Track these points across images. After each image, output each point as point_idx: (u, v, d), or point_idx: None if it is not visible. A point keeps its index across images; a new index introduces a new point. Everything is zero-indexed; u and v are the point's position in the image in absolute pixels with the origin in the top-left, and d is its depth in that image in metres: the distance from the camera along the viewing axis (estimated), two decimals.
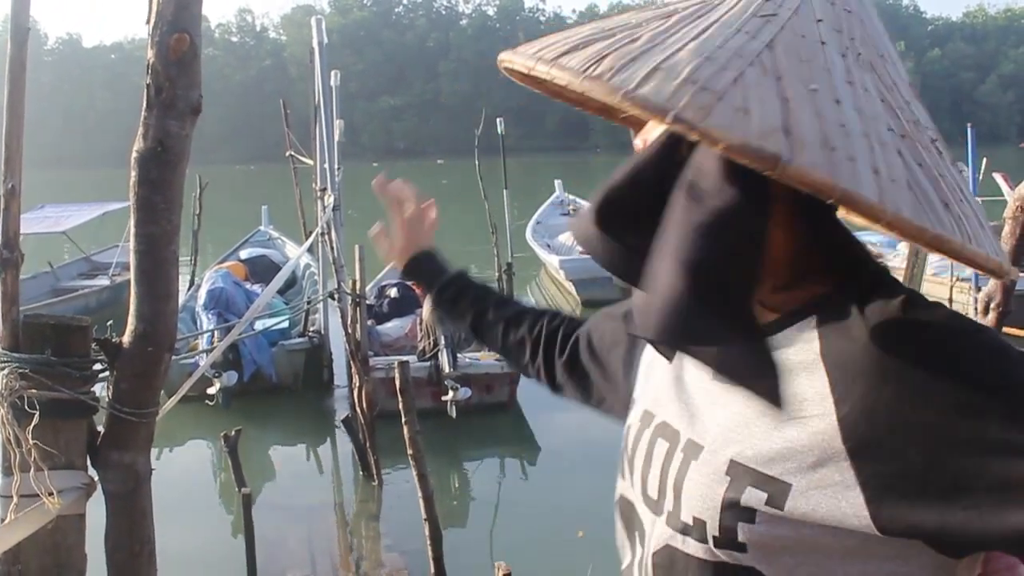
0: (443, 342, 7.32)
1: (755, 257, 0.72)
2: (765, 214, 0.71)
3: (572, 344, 1.20)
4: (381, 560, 5.11)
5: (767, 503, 0.73)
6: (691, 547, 0.79)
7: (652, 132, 0.83)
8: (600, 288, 11.63)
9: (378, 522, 5.76)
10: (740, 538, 0.75)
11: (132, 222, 1.46)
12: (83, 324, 1.57)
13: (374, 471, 6.18)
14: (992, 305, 2.29)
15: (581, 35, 0.73)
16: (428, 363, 7.37)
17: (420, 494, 4.29)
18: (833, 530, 0.71)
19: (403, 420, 4.39)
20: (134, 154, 1.42)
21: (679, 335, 0.74)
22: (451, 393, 7.01)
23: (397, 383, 4.47)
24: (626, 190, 0.77)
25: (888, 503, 0.68)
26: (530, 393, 7.71)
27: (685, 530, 0.79)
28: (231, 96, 70.35)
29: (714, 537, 0.76)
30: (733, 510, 0.75)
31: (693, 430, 0.82)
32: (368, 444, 6.16)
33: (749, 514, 0.74)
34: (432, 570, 4.24)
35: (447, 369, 7.17)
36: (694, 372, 0.86)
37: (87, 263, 14.09)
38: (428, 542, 4.25)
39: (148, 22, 1.40)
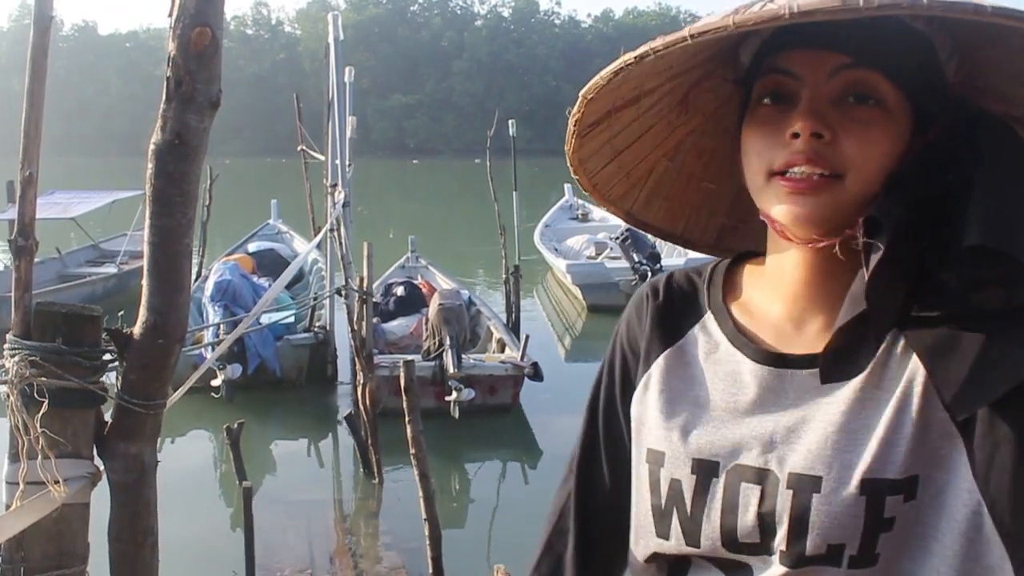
0: (448, 342, 7.32)
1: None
2: None
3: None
4: (379, 558, 5.11)
5: (905, 501, 0.75)
6: (824, 574, 0.79)
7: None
8: (606, 293, 11.63)
9: (377, 520, 5.76)
10: (877, 549, 0.76)
11: (147, 214, 1.45)
12: (95, 314, 1.56)
13: (375, 469, 6.18)
14: None
15: None
16: (432, 363, 7.36)
17: (421, 493, 4.29)
18: (948, 525, 0.74)
19: (406, 419, 4.38)
20: (151, 146, 1.41)
21: None
22: (455, 394, 7.01)
23: (402, 382, 4.47)
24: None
25: (994, 469, 0.72)
26: (533, 397, 7.72)
27: (814, 560, 0.78)
28: (244, 88, 70.27)
29: (851, 557, 0.77)
30: (875, 524, 0.76)
31: (798, 463, 0.79)
32: (370, 442, 6.16)
33: (889, 523, 0.76)
34: (430, 570, 4.23)
35: (451, 369, 7.17)
36: (764, 406, 0.83)
37: (95, 250, 14.13)
38: (427, 542, 4.24)
39: (170, 15, 1.39)
